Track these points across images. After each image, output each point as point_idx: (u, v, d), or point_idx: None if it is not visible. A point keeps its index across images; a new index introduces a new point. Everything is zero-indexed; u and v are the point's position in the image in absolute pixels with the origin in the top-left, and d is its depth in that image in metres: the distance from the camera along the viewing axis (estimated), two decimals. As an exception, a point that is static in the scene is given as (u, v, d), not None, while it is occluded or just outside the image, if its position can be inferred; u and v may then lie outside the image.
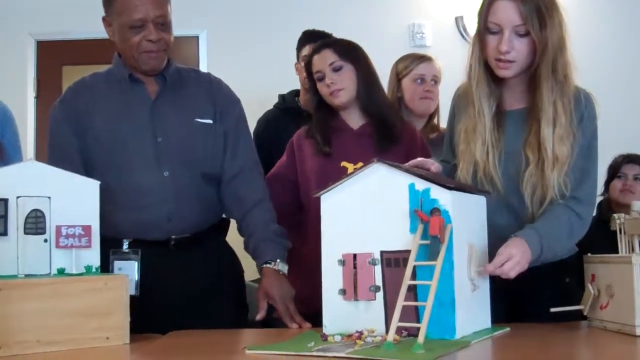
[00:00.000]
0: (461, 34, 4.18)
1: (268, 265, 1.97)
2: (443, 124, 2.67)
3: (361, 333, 1.52)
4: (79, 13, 3.96)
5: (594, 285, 1.70)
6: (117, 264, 1.95)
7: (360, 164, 2.16)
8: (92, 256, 1.64)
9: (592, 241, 1.87)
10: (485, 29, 1.81)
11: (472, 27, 4.03)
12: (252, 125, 2.51)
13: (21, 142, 2.67)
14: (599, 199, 3.19)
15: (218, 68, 3.46)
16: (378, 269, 1.58)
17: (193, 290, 2.00)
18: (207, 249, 2.06)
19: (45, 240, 1.59)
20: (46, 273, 1.58)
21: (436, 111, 2.90)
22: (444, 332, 1.50)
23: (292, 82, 2.99)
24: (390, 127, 2.27)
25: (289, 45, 3.03)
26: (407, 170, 1.59)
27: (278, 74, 3.18)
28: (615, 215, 1.67)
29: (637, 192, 3.21)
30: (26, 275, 1.55)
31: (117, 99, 2.04)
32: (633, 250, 1.63)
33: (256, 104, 2.82)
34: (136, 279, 1.93)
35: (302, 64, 2.71)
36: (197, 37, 4.24)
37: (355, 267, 1.59)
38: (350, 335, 1.52)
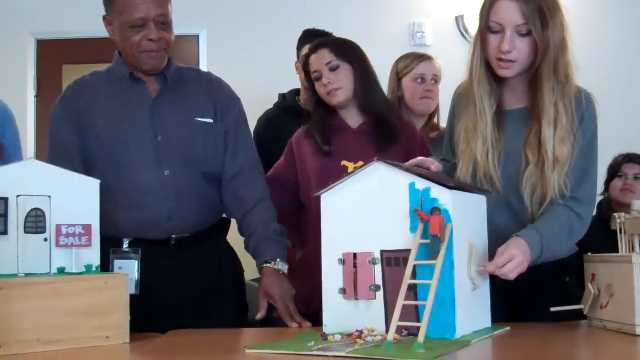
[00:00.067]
0: (461, 33, 4.17)
1: (268, 264, 1.97)
2: (443, 123, 2.67)
3: (361, 332, 1.52)
4: (79, 12, 3.96)
5: (594, 284, 1.70)
6: (118, 263, 1.95)
7: (360, 163, 2.16)
8: (92, 255, 1.64)
9: (592, 241, 1.87)
10: (487, 28, 1.81)
11: (472, 26, 4.03)
12: (252, 124, 2.51)
13: (21, 141, 2.67)
14: (599, 198, 3.19)
15: (218, 67, 3.46)
16: (378, 268, 1.58)
17: (193, 290, 2.00)
18: (208, 249, 2.06)
19: (46, 240, 1.59)
20: (46, 272, 1.58)
21: (436, 110, 2.90)
22: (444, 331, 1.50)
23: (293, 81, 2.99)
24: (389, 126, 2.26)
25: (290, 45, 3.03)
26: (408, 170, 1.59)
27: (278, 73, 3.18)
28: (616, 215, 1.67)
29: (638, 192, 3.22)
30: (26, 275, 1.55)
31: (118, 98, 2.04)
32: (633, 249, 1.63)
33: (256, 103, 2.82)
34: (136, 278, 1.93)
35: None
36: (198, 37, 4.23)
37: (355, 267, 1.59)
38: (350, 335, 1.52)
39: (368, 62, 2.34)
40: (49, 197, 1.59)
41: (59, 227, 1.59)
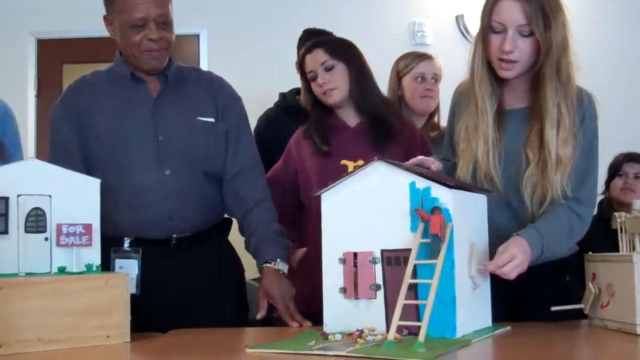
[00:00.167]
0: (462, 33, 4.17)
1: (268, 264, 1.97)
2: (443, 122, 2.67)
3: (362, 332, 1.52)
4: (80, 11, 3.96)
5: (595, 284, 1.70)
6: (118, 262, 1.95)
7: (359, 162, 2.17)
8: (93, 255, 1.64)
9: (592, 240, 1.87)
10: (488, 27, 1.80)
11: (472, 25, 4.03)
12: (252, 123, 2.51)
13: (22, 141, 2.67)
14: (599, 197, 3.19)
15: (218, 67, 3.45)
16: (379, 267, 1.57)
17: (194, 289, 2.00)
18: (208, 248, 2.06)
19: (46, 239, 1.59)
20: (47, 271, 1.58)
21: (437, 110, 2.91)
22: (445, 330, 1.50)
23: (293, 80, 2.99)
24: (386, 124, 2.26)
25: (290, 44, 3.03)
26: (408, 169, 1.59)
27: (279, 72, 3.18)
28: (616, 214, 1.67)
29: (638, 191, 3.22)
30: (27, 274, 1.55)
31: (119, 98, 2.04)
32: (634, 248, 1.63)
33: (257, 103, 2.82)
34: (137, 277, 1.93)
35: None
36: (198, 36, 4.23)
37: (355, 266, 1.59)
38: (350, 334, 1.52)
39: (363, 61, 2.33)
40: (50, 196, 1.59)
41: (59, 227, 1.59)
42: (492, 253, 1.68)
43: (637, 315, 1.53)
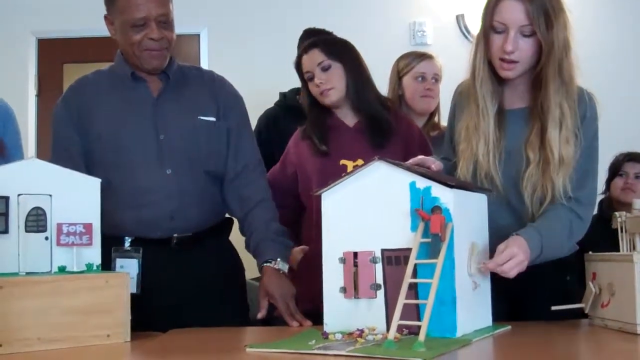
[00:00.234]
0: (462, 32, 4.17)
1: (268, 264, 1.97)
2: (444, 122, 2.67)
3: (362, 331, 1.52)
4: (80, 11, 3.96)
5: (595, 283, 1.70)
6: (119, 261, 1.95)
7: (359, 161, 2.17)
8: (93, 254, 1.64)
9: (593, 239, 1.87)
10: (490, 27, 1.80)
11: (473, 25, 4.03)
12: (252, 123, 2.51)
13: (22, 140, 2.67)
14: (600, 197, 3.19)
15: (219, 66, 3.44)
16: (379, 267, 1.57)
17: (194, 289, 2.00)
18: (209, 248, 2.06)
19: (47, 238, 1.59)
20: (47, 271, 1.58)
21: (437, 109, 2.91)
22: (445, 330, 1.50)
23: (293, 80, 2.98)
24: (383, 123, 2.26)
25: (290, 44, 3.02)
26: (408, 169, 1.59)
27: (279, 72, 3.17)
28: (617, 214, 1.67)
29: (638, 191, 3.21)
30: (27, 273, 1.55)
31: (120, 97, 2.04)
32: (634, 248, 1.63)
33: (257, 102, 2.81)
34: (137, 277, 1.93)
35: None
36: (198, 36, 4.23)
37: (355, 265, 1.59)
38: (351, 333, 1.52)
39: (360, 61, 2.33)
40: (50, 195, 1.59)
41: (59, 226, 1.59)
42: (492, 252, 1.68)
43: (638, 315, 1.53)
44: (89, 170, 1.88)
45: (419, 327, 1.39)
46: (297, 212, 2.36)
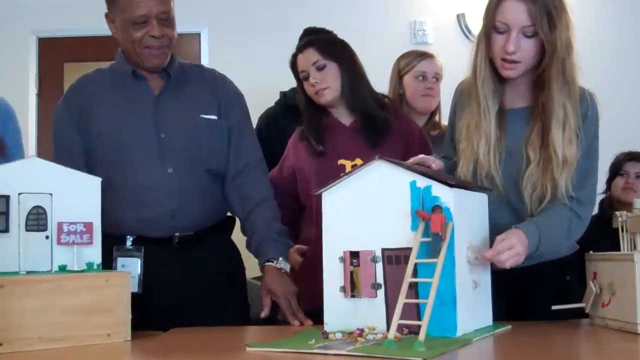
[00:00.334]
0: (463, 32, 4.17)
1: (270, 263, 1.97)
2: (444, 121, 2.67)
3: (362, 330, 1.52)
4: (81, 10, 3.96)
5: (596, 283, 1.70)
6: (121, 260, 1.95)
7: (357, 160, 2.17)
8: (94, 253, 1.64)
9: (593, 239, 1.87)
10: (492, 27, 1.79)
11: (473, 24, 4.03)
12: (253, 122, 2.51)
13: (23, 139, 2.67)
14: (600, 197, 3.19)
15: (219, 65, 3.42)
16: (379, 266, 1.57)
17: (196, 288, 2.00)
18: (211, 247, 2.06)
19: (47, 237, 1.59)
20: (47, 270, 1.58)
21: (438, 108, 2.90)
22: (445, 329, 1.50)
23: (294, 79, 2.98)
24: (378, 122, 2.25)
25: (291, 43, 3.01)
26: (409, 168, 1.59)
27: (279, 71, 3.17)
28: (617, 213, 1.67)
29: (639, 190, 3.21)
30: (27, 272, 1.55)
31: (121, 95, 2.04)
32: (635, 248, 1.62)
33: (257, 101, 2.81)
34: (139, 276, 1.93)
35: None
36: (199, 35, 4.23)
37: (352, 265, 1.59)
38: (351, 333, 1.52)
39: (355, 60, 2.32)
40: (51, 194, 1.59)
41: (60, 225, 1.59)
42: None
43: (638, 315, 1.53)
44: (90, 169, 1.88)
45: (419, 326, 1.39)
46: (296, 212, 2.36)
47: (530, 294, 1.87)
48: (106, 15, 2.02)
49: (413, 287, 1.51)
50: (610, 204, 3.23)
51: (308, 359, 1.36)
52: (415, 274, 1.50)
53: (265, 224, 2.05)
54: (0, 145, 2.45)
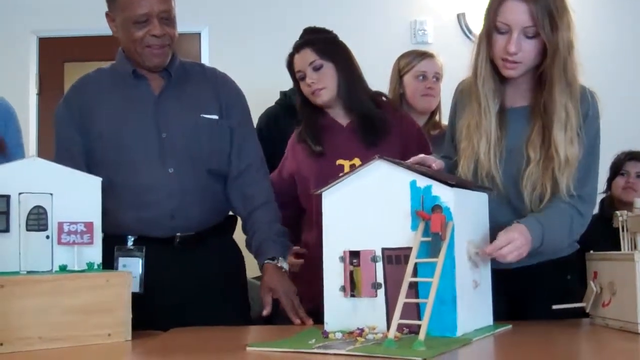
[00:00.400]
0: (463, 31, 4.17)
1: (270, 261, 1.97)
2: (445, 121, 2.67)
3: (362, 330, 1.53)
4: (81, 9, 3.96)
5: (596, 282, 1.70)
6: (122, 260, 1.95)
7: (355, 160, 2.17)
8: (94, 253, 1.64)
9: (594, 238, 1.87)
10: (493, 27, 1.79)
11: (474, 24, 4.03)
12: (253, 122, 2.51)
13: (23, 139, 2.67)
14: (601, 196, 3.19)
15: (220, 65, 3.41)
16: (379, 266, 1.57)
17: (197, 288, 2.00)
18: (212, 247, 2.06)
19: (47, 237, 1.59)
20: (48, 270, 1.58)
21: (438, 108, 2.91)
22: (446, 329, 1.50)
23: (294, 79, 2.98)
24: (375, 122, 2.24)
25: (291, 43, 3.02)
26: (409, 167, 1.59)
27: (280, 70, 3.17)
28: (618, 213, 1.67)
29: (640, 190, 3.22)
30: (28, 272, 1.55)
31: (121, 95, 2.04)
32: (636, 247, 1.62)
33: (258, 101, 2.81)
34: (140, 276, 1.93)
35: None
36: (199, 34, 4.23)
37: (352, 264, 1.59)
38: (351, 333, 1.52)
39: (352, 60, 2.32)
40: (51, 194, 1.59)
41: (60, 225, 1.59)
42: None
43: (639, 314, 1.53)
44: (90, 169, 1.87)
45: (419, 326, 1.39)
46: (296, 214, 2.36)
47: (531, 294, 1.87)
48: (107, 15, 2.02)
49: (413, 286, 1.51)
50: (611, 204, 3.23)
51: (308, 358, 1.36)
52: (415, 273, 1.50)
53: (266, 225, 2.05)
54: (0, 145, 2.46)
